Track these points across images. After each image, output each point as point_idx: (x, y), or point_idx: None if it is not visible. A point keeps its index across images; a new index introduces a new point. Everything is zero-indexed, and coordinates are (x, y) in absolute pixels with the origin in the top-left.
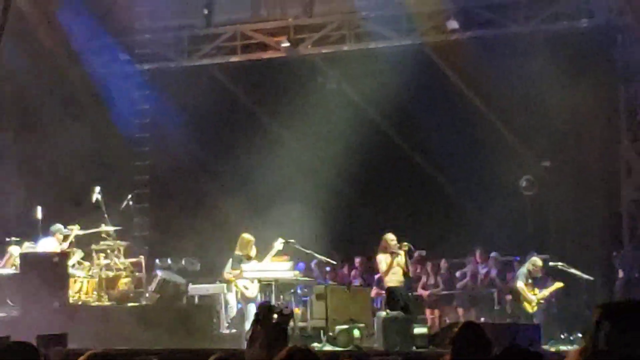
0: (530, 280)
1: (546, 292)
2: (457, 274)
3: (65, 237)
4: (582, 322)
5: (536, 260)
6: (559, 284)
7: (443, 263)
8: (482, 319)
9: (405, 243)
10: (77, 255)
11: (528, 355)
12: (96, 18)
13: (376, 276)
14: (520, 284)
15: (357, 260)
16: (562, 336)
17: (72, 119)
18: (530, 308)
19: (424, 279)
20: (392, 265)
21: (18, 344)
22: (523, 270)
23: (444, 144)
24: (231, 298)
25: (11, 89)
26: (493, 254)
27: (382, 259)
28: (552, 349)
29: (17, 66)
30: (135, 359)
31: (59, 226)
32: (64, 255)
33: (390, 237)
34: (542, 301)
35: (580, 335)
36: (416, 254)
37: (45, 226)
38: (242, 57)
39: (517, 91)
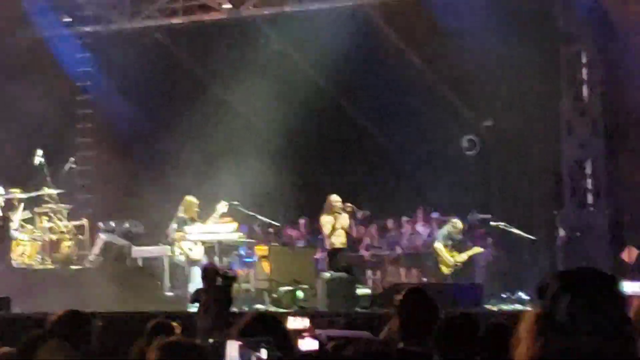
0: (450, 242)
1: (465, 255)
2: (399, 233)
3: (8, 200)
4: (523, 282)
5: (457, 222)
6: (477, 249)
7: (389, 223)
8: (424, 280)
9: (349, 204)
10: (22, 214)
11: (467, 320)
12: None
13: (320, 237)
14: (438, 244)
15: (302, 221)
16: (504, 295)
17: (13, 82)
18: (446, 270)
19: (367, 240)
20: (336, 226)
21: None
22: (443, 231)
23: (387, 105)
24: (175, 260)
25: None
26: (434, 215)
27: (326, 221)
28: (494, 308)
29: None
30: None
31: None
32: (5, 219)
33: (334, 199)
34: (458, 264)
35: (522, 295)
36: (360, 214)
37: None
38: (183, 18)
39: (458, 51)
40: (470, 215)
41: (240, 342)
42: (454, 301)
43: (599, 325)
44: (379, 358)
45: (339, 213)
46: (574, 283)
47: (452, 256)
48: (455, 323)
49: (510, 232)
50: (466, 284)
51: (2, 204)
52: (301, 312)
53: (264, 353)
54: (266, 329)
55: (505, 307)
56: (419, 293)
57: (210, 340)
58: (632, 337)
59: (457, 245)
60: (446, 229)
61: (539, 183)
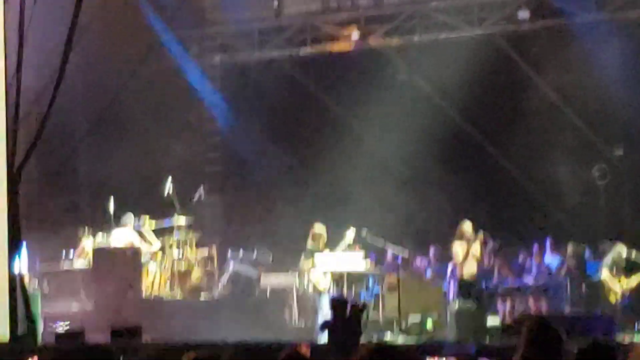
0: (614, 270)
1: (633, 281)
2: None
3: (138, 231)
4: None
5: (621, 249)
6: None
7: (519, 252)
8: (554, 310)
9: (481, 232)
10: (155, 246)
11: (606, 350)
12: (168, 10)
13: (449, 266)
14: (605, 274)
15: (431, 249)
16: (637, 327)
17: (145, 111)
18: (614, 298)
19: (497, 268)
20: (468, 254)
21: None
22: (607, 259)
23: (516, 134)
24: (303, 289)
25: (88, 82)
26: (569, 245)
27: (458, 249)
28: (627, 341)
29: (93, 60)
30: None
31: (130, 216)
32: (137, 249)
33: (467, 225)
34: (627, 291)
35: None
36: (491, 244)
37: (117, 217)
38: (312, 49)
39: (589, 80)
40: (603, 246)
41: None
42: (584, 332)
43: None
44: None
45: (472, 241)
46: None
47: (619, 282)
48: (589, 354)
49: None
50: (596, 315)
51: (133, 232)
52: (430, 343)
53: None
54: None
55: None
56: (541, 324)
57: None
58: None
59: (622, 271)
60: (611, 256)
61: None
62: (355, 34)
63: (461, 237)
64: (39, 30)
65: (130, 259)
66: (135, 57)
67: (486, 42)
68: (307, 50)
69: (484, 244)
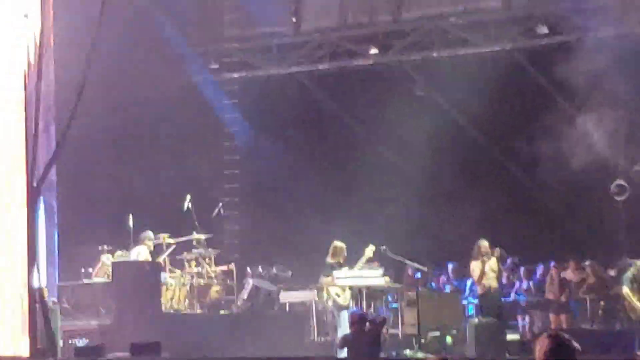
0: (635, 285)
1: None
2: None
3: (158, 245)
4: None
5: None
6: None
7: (537, 269)
8: (573, 326)
9: (497, 248)
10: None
11: None
12: (187, 26)
13: (468, 282)
14: (625, 290)
15: (450, 266)
16: None
17: (164, 128)
18: (635, 315)
19: (517, 284)
20: (485, 270)
21: None
22: (628, 275)
23: (534, 149)
24: (323, 305)
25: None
26: (587, 263)
27: (475, 265)
28: None
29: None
30: None
31: (149, 234)
32: (157, 264)
33: (483, 244)
34: None
35: None
36: (509, 261)
37: (136, 234)
38: (330, 64)
39: (607, 95)
40: (621, 262)
41: None
42: (604, 348)
43: None
44: None
45: (488, 258)
46: None
47: (639, 298)
48: None
49: None
50: (616, 330)
51: (152, 249)
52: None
53: None
54: None
55: None
56: (555, 339)
57: None
58: None
59: None
60: (631, 272)
61: None
62: (373, 50)
63: (478, 255)
64: (61, 46)
65: (149, 274)
66: (154, 72)
67: (505, 57)
68: (325, 66)
69: (501, 260)
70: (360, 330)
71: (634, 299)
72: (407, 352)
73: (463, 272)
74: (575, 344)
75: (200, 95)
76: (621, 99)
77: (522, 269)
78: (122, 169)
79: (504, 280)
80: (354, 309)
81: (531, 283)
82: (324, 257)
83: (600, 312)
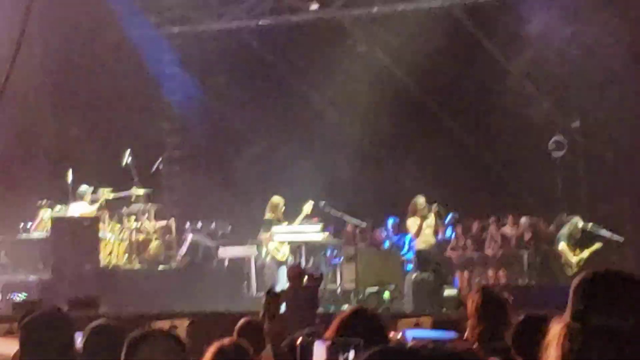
0: (571, 241)
1: (586, 253)
2: (487, 235)
3: (95, 200)
4: None
5: (577, 221)
6: (597, 244)
7: (474, 224)
8: (511, 281)
9: (435, 204)
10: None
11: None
12: None
13: (407, 237)
14: (562, 246)
15: (390, 222)
16: None
17: (103, 82)
18: (570, 271)
19: (454, 240)
20: (422, 227)
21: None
22: (564, 231)
23: (473, 106)
24: (262, 260)
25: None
26: (524, 218)
27: (412, 222)
28: None
29: (51, 32)
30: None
31: (88, 189)
32: (95, 219)
33: (420, 201)
34: (581, 263)
35: None
36: (448, 217)
37: (75, 189)
38: (271, 19)
39: (545, 51)
40: (559, 218)
41: (328, 343)
42: (539, 303)
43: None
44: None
45: (425, 214)
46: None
47: (575, 255)
48: (531, 324)
49: (598, 233)
50: (552, 286)
51: (90, 204)
52: (387, 314)
53: (352, 355)
54: (364, 325)
55: None
56: (485, 293)
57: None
58: None
59: (578, 244)
60: (567, 228)
61: (629, 184)
62: (314, 5)
63: (414, 212)
64: None
65: (87, 229)
66: (93, 28)
67: (445, 14)
68: (266, 21)
69: (439, 216)
70: (298, 286)
71: (570, 255)
72: (345, 307)
73: (403, 228)
74: (506, 297)
75: (140, 50)
76: (559, 54)
77: (460, 225)
78: (61, 123)
79: (442, 236)
80: (292, 263)
81: (470, 239)
82: (263, 213)
83: (537, 267)
